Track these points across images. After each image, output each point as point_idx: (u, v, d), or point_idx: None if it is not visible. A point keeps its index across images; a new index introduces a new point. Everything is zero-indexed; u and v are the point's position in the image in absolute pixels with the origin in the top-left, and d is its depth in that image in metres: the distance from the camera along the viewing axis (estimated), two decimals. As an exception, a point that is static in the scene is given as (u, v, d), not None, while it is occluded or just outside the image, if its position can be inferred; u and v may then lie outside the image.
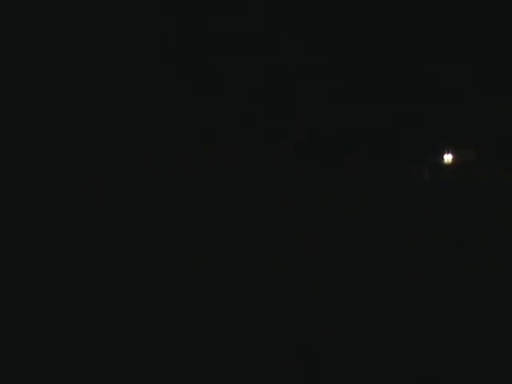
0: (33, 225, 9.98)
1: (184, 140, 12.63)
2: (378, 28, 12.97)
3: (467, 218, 12.51)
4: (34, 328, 6.42)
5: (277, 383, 5.36)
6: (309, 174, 13.02)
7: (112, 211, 10.96)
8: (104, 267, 8.69)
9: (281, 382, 5.37)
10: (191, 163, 12.49)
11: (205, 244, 10.08)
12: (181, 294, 7.60)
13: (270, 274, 8.55)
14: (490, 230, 11.46)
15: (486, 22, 12.80)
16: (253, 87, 12.83)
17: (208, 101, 12.76)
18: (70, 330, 6.38)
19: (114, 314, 6.82)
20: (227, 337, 6.22)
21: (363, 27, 12.66)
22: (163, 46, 12.16)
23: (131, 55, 11.80)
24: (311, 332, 6.31)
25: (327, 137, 13.27)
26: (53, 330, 6.37)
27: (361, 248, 9.83)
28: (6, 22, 10.51)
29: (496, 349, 5.80)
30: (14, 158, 10.57)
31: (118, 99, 11.70)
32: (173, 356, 5.77)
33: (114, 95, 11.68)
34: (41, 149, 11.34)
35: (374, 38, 13.06)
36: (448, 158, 15.97)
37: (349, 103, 13.07)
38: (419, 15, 12.69)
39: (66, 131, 11.43)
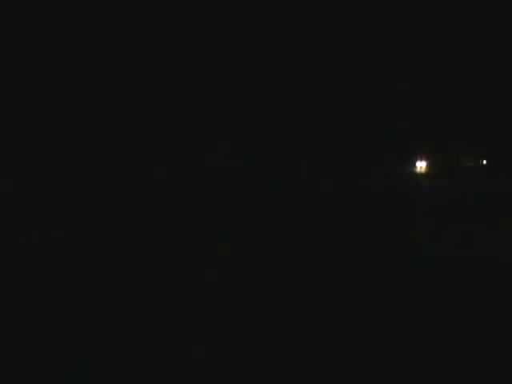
0: (35, 224, 10.00)
1: (184, 140, 12.64)
2: (369, 38, 12.98)
3: (467, 221, 12.56)
4: (32, 327, 6.43)
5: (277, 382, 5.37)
6: (301, 175, 13.08)
7: (113, 210, 10.99)
8: (104, 266, 8.70)
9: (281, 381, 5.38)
10: (191, 163, 12.52)
11: (204, 242, 10.10)
12: (180, 291, 7.62)
13: (268, 271, 8.58)
14: (490, 233, 11.51)
15: (477, 28, 12.80)
16: (251, 89, 12.86)
17: (207, 102, 12.78)
18: (67, 328, 6.39)
19: (114, 314, 6.83)
20: (225, 336, 6.24)
21: (357, 37, 12.68)
22: (165, 48, 12.20)
23: (135, 59, 11.83)
24: (304, 333, 6.33)
25: (322, 138, 13.31)
26: (49, 327, 6.38)
27: (357, 251, 9.87)
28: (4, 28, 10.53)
29: (495, 350, 5.82)
30: (16, 160, 10.60)
31: (120, 102, 11.74)
32: (172, 355, 5.78)
33: (115, 98, 11.70)
34: (40, 150, 11.35)
35: (368, 45, 13.06)
36: (422, 164, 15.94)
37: (344, 107, 13.09)
38: (406, 23, 12.70)
39: (68, 132, 11.45)
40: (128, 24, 11.55)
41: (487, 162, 16.64)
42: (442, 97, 13.52)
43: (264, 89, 12.41)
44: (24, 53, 11.06)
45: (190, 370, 5.49)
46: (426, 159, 15.89)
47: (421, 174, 16.21)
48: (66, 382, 5.32)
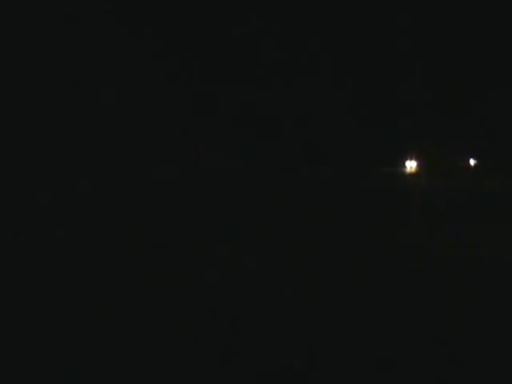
0: (35, 224, 10.00)
1: (183, 140, 12.63)
2: (365, 39, 12.98)
3: (461, 222, 12.55)
4: (32, 327, 6.43)
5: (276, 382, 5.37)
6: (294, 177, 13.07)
7: (112, 210, 10.98)
8: (104, 266, 8.70)
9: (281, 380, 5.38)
10: (191, 163, 12.51)
11: (204, 242, 10.10)
12: (180, 291, 7.63)
13: (268, 271, 8.58)
14: (485, 234, 11.50)
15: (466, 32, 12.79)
16: (251, 89, 12.85)
17: (207, 102, 12.78)
18: (66, 328, 6.39)
19: (114, 314, 6.84)
20: (225, 336, 6.24)
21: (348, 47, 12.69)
22: (164, 48, 12.20)
23: (134, 59, 11.82)
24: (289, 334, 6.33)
25: (317, 139, 13.31)
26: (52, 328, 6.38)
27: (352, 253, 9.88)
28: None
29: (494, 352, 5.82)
30: (16, 160, 10.60)
31: (119, 102, 11.73)
32: (173, 355, 5.78)
33: (114, 97, 11.70)
34: (41, 150, 11.35)
35: (363, 48, 13.06)
36: (412, 164, 15.77)
37: (342, 110, 13.07)
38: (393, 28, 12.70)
39: (66, 131, 11.45)
40: (126, 24, 11.54)
41: (477, 161, 16.55)
42: (432, 95, 13.48)
43: (263, 89, 12.41)
44: (24, 53, 11.06)
45: (190, 370, 5.49)
46: (417, 159, 15.72)
47: (411, 174, 16.06)
48: (65, 382, 5.32)
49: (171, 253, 9.47)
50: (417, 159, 15.43)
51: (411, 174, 15.55)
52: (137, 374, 5.46)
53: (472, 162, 16.55)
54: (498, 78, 13.70)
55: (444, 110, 13.71)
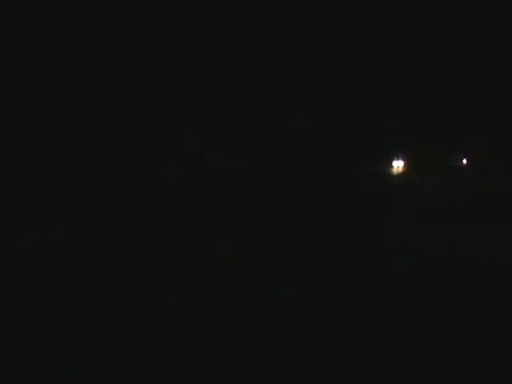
0: (35, 224, 10.01)
1: (184, 140, 12.64)
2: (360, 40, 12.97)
3: (457, 221, 12.54)
4: (33, 327, 6.44)
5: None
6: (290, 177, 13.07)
7: (113, 210, 10.99)
8: (104, 266, 8.71)
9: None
10: (191, 163, 12.52)
11: (204, 242, 10.11)
12: (180, 291, 7.64)
13: (268, 271, 8.60)
14: (486, 234, 11.51)
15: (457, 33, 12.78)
16: (251, 89, 12.86)
17: (207, 102, 12.78)
18: (67, 328, 6.40)
19: (114, 314, 6.85)
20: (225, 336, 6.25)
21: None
22: (165, 48, 12.21)
23: (134, 59, 11.83)
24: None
25: (314, 139, 13.31)
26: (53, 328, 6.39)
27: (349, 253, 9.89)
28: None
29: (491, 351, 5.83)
30: (18, 162, 10.60)
31: (119, 102, 11.74)
32: (173, 355, 5.78)
33: (114, 98, 11.70)
34: (40, 150, 11.36)
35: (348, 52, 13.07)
36: (398, 164, 15.56)
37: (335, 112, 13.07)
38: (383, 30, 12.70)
39: (67, 131, 11.46)
40: (126, 24, 11.56)
41: (474, 161, 16.47)
42: (418, 93, 13.45)
43: (263, 89, 12.42)
44: (24, 53, 11.07)
45: (190, 370, 5.49)
46: (404, 159, 15.54)
47: (398, 175, 15.89)
48: (66, 382, 5.33)
49: (171, 253, 9.48)
50: (404, 159, 15.28)
51: (399, 174, 15.42)
52: (137, 373, 5.47)
53: (464, 161, 16.46)
54: (491, 77, 13.67)
55: (433, 108, 13.68)
